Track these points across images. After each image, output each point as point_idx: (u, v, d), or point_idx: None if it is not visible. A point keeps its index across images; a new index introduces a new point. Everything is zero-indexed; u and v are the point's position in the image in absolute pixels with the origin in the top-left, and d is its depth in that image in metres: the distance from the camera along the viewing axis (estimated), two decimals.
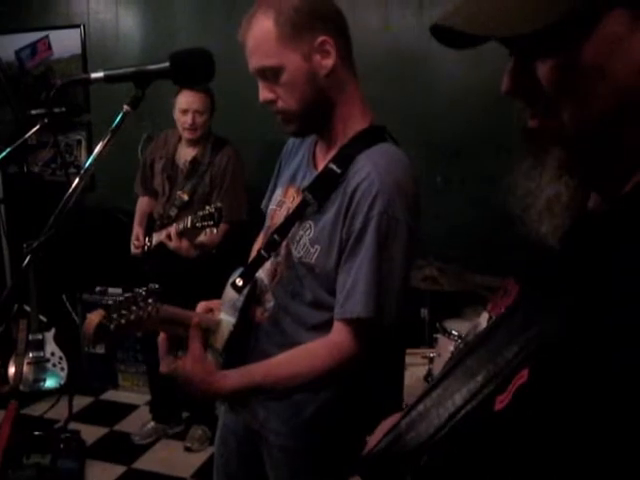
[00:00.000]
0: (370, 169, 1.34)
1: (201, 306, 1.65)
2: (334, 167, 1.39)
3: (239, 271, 1.54)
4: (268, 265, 1.50)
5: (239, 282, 1.49)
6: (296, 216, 1.44)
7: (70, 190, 1.20)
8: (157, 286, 1.29)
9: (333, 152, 1.43)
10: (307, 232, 1.41)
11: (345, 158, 1.39)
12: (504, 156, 3.35)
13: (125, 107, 1.22)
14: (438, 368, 2.53)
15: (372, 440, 0.83)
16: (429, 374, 2.56)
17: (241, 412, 1.59)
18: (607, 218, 0.61)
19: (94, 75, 1.22)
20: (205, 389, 1.29)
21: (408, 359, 2.87)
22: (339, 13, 1.41)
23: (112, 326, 1.21)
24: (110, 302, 1.23)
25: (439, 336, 2.55)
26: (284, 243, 1.46)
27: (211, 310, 1.62)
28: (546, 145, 0.60)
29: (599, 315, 0.53)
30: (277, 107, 1.39)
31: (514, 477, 0.54)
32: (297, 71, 1.35)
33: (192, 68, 1.26)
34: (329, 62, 1.36)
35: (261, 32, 1.34)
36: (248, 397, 1.44)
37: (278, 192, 1.58)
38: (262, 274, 1.52)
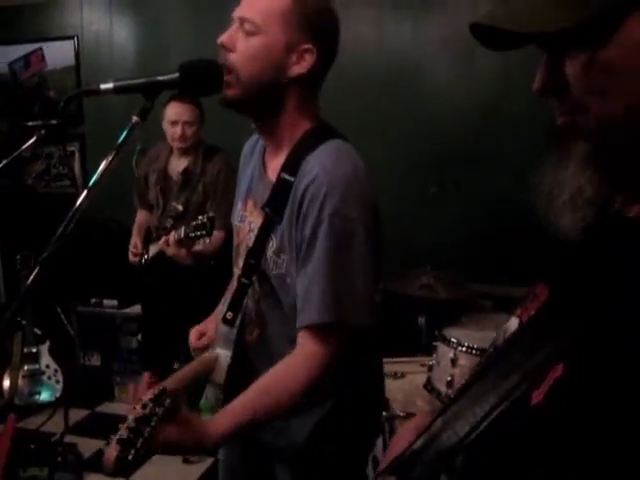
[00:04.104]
0: (318, 170, 1.31)
1: (194, 333, 1.65)
2: (286, 176, 1.36)
3: (226, 302, 1.51)
4: (249, 290, 1.47)
5: (229, 316, 1.46)
6: (265, 234, 1.40)
7: (77, 203, 1.20)
8: (162, 387, 1.21)
9: (281, 157, 1.40)
10: (270, 244, 1.39)
11: (294, 163, 1.36)
12: (500, 164, 3.37)
13: (134, 118, 1.19)
14: (437, 376, 2.53)
15: (395, 444, 0.83)
16: (429, 382, 2.56)
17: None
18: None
19: (103, 86, 1.20)
20: (198, 446, 1.23)
21: (406, 367, 2.87)
22: (336, 43, 1.39)
23: (130, 457, 1.13)
24: (121, 434, 1.13)
25: (438, 344, 2.55)
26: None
27: (204, 334, 1.63)
28: (572, 139, 0.62)
29: (619, 312, 0.56)
30: (227, 58, 1.33)
31: (551, 468, 0.55)
32: (270, 47, 1.31)
33: (201, 79, 1.26)
34: (297, 69, 1.33)
35: None
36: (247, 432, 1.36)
37: (239, 206, 1.56)
38: (246, 299, 1.48)
